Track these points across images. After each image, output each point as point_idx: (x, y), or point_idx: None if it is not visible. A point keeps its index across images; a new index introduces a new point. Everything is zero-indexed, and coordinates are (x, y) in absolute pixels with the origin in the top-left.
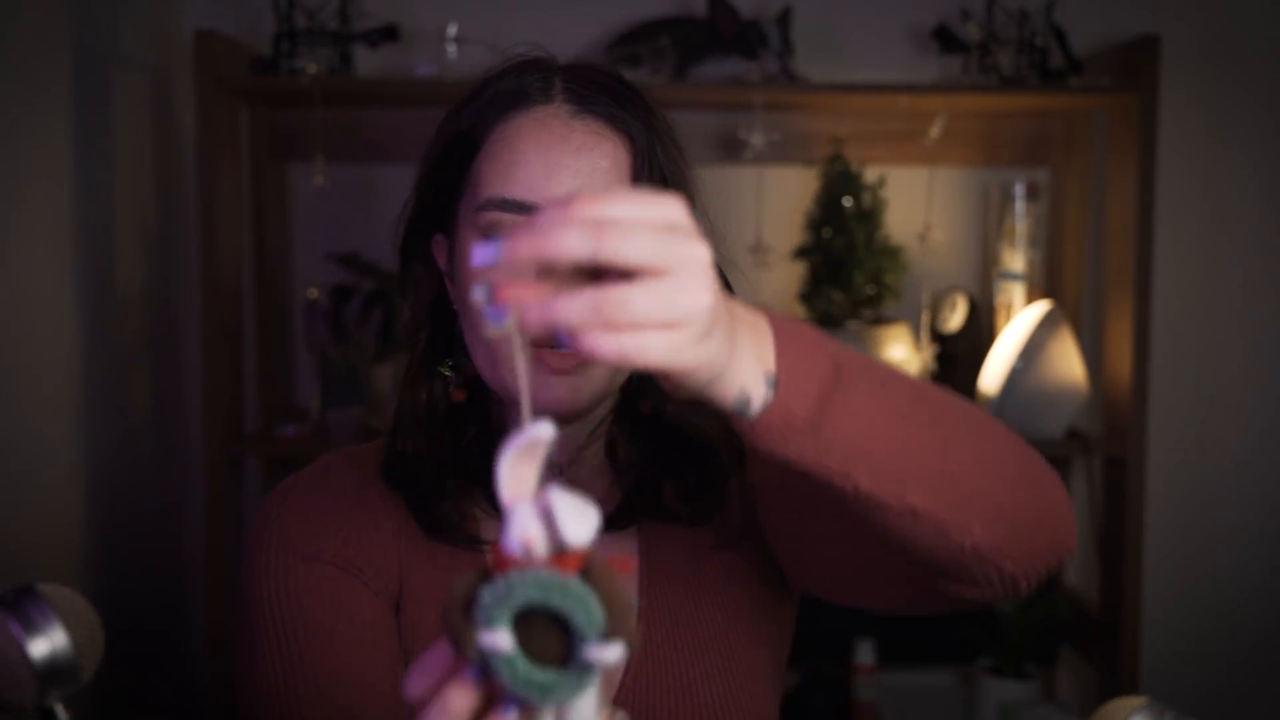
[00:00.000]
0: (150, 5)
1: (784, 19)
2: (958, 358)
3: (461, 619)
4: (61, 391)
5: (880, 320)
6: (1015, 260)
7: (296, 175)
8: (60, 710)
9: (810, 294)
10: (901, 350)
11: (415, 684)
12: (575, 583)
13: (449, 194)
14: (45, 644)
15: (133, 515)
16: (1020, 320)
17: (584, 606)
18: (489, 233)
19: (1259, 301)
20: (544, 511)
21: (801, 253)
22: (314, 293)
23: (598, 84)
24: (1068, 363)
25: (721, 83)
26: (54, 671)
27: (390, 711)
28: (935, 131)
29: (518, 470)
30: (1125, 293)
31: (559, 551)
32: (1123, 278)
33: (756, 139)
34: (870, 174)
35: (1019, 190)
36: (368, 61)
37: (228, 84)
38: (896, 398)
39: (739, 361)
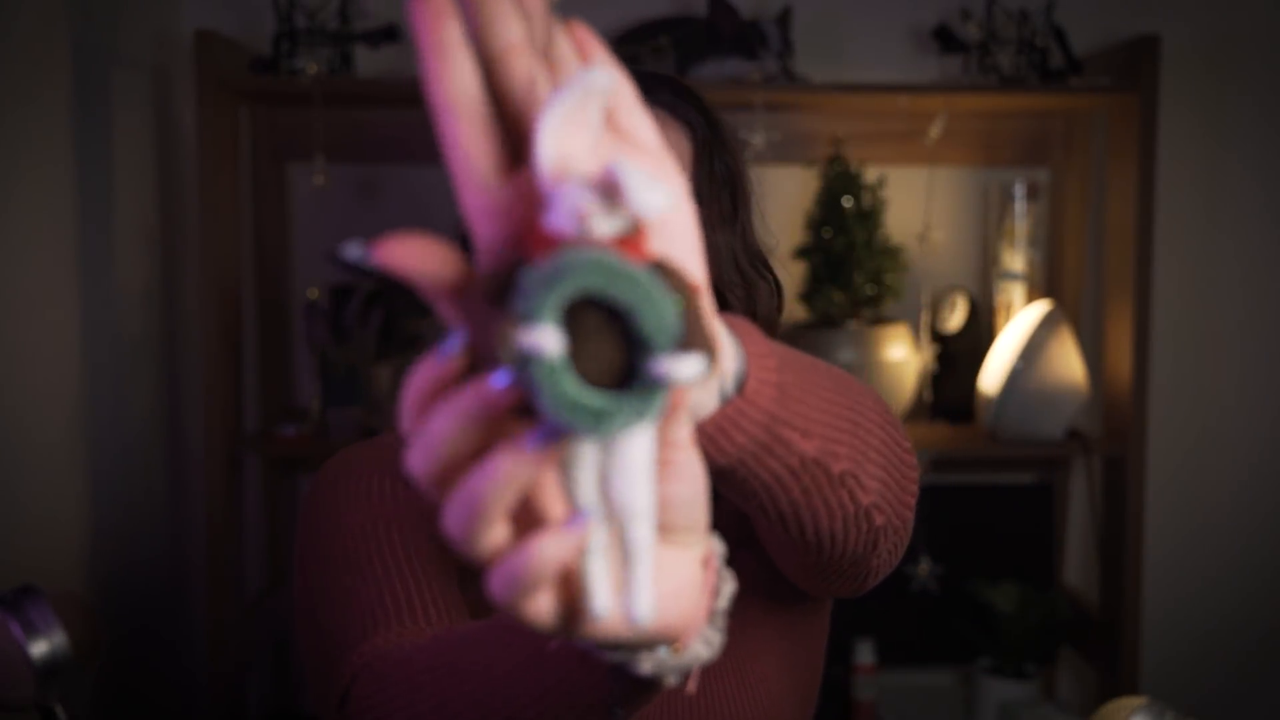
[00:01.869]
0: (150, 5)
1: (784, 19)
2: (958, 358)
3: (491, 309)
4: (62, 392)
5: (880, 320)
6: (1015, 260)
7: (296, 175)
8: (60, 710)
9: (810, 294)
10: (901, 350)
11: (413, 392)
12: (647, 272)
13: None
14: (45, 644)
15: (133, 515)
16: (1020, 320)
17: (655, 302)
18: None
19: (1259, 300)
20: (603, 185)
21: (801, 253)
22: (314, 293)
23: (657, 78)
24: (1068, 363)
25: (721, 83)
26: (54, 671)
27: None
28: (935, 131)
29: (565, 137)
30: (1125, 293)
31: (623, 234)
32: (1123, 278)
33: (756, 139)
34: (870, 174)
35: (1019, 190)
36: (368, 62)
37: (228, 84)
38: (811, 368)
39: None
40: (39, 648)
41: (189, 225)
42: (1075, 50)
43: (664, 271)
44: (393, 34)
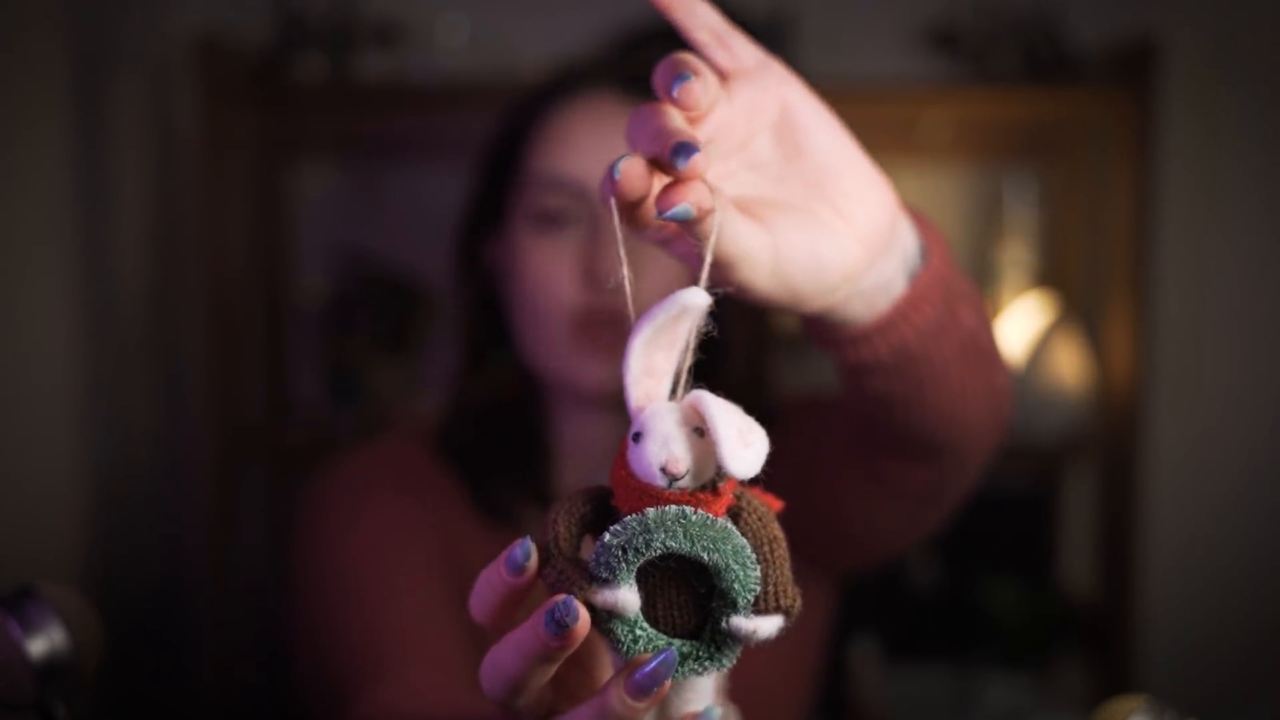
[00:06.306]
0: (150, 5)
1: (784, 18)
2: None
3: (570, 563)
4: (62, 392)
5: None
6: (1015, 260)
7: (297, 176)
8: (60, 710)
9: None
10: None
11: (477, 607)
12: (732, 531)
13: (500, 188)
14: (45, 644)
15: (133, 515)
16: (1019, 319)
17: (740, 563)
18: (540, 219)
19: (1260, 300)
20: (688, 424)
21: None
22: (314, 293)
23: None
24: (1068, 362)
25: None
26: (53, 671)
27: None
28: (935, 131)
29: (653, 355)
30: (1125, 292)
31: (707, 486)
32: (1123, 277)
33: None
34: None
35: (1019, 190)
36: (370, 63)
37: (228, 85)
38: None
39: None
40: (39, 647)
41: (189, 226)
42: (1075, 50)
43: (748, 517)
44: (395, 35)
